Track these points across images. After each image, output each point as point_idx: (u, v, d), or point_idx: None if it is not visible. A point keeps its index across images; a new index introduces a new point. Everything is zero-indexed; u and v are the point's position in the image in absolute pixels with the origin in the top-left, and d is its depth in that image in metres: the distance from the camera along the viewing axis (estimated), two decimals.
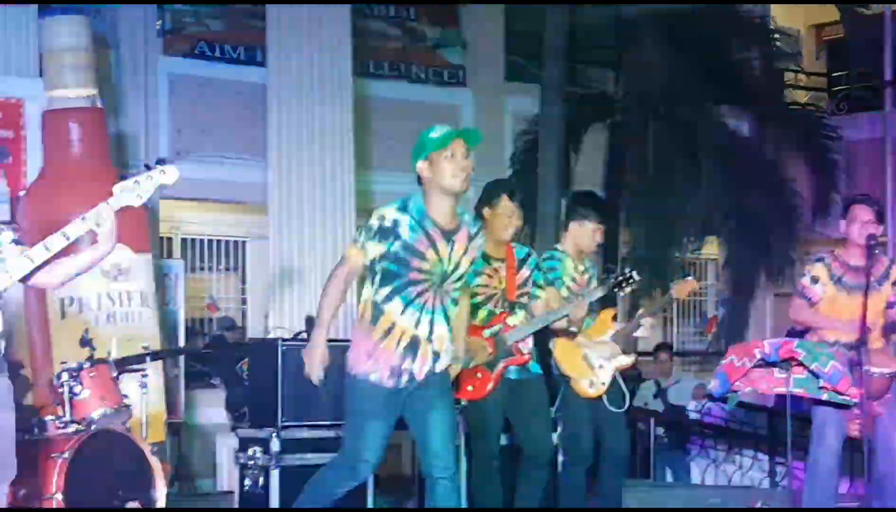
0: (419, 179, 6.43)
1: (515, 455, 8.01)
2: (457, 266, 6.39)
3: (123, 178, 5.82)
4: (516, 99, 16.33)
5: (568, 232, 8.40)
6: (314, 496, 6.73)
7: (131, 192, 5.90)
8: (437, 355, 6.38)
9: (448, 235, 6.35)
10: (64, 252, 5.75)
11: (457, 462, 6.57)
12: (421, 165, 6.38)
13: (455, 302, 6.51)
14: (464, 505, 6.66)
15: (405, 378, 6.33)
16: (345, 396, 6.59)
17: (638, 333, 8.74)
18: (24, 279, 5.72)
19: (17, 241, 5.72)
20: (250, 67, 14.28)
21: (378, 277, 6.34)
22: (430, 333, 6.34)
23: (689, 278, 9.01)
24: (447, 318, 6.42)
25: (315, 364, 6.35)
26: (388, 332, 6.33)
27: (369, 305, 6.39)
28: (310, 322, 9.77)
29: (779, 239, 14.94)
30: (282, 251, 13.30)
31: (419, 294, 6.33)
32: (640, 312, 8.75)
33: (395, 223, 6.28)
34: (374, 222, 6.31)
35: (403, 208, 6.35)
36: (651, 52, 15.29)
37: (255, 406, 8.90)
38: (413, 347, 6.33)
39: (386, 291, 6.33)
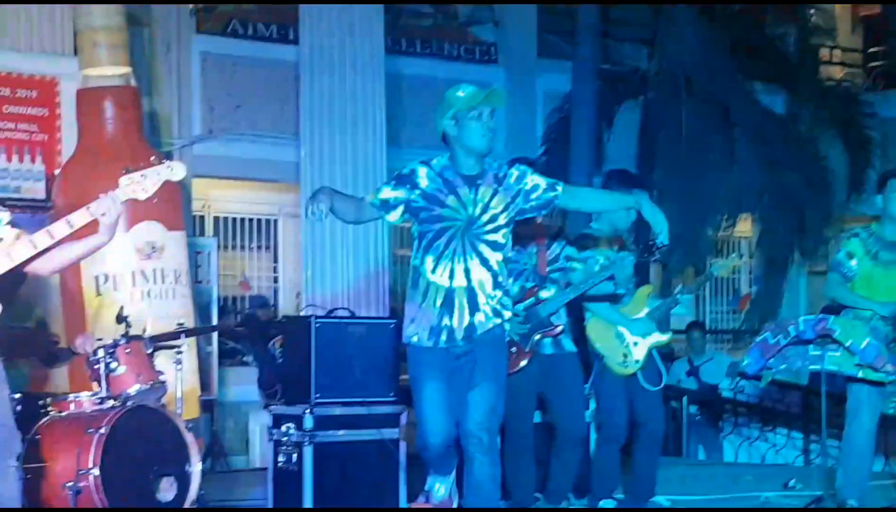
0: (443, 137, 6.45)
1: (548, 432, 8.01)
2: (485, 208, 6.37)
3: (129, 171, 5.82)
4: (549, 76, 16.31)
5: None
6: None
7: (138, 185, 5.91)
8: (476, 307, 6.37)
9: (471, 181, 6.38)
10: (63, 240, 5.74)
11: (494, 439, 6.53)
12: (447, 124, 6.40)
13: (497, 246, 6.44)
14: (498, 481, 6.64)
15: (444, 336, 6.34)
16: (410, 376, 6.61)
17: (675, 310, 8.75)
18: (21, 264, 5.73)
19: (12, 223, 5.77)
20: (283, 45, 14.30)
21: (416, 242, 6.42)
22: (468, 281, 6.34)
23: (734, 256, 9.02)
24: (488, 265, 6.38)
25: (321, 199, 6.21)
26: (426, 292, 6.37)
27: (411, 271, 6.46)
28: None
29: (813, 216, 14.91)
30: (314, 229, 13.31)
31: (447, 244, 6.35)
32: (680, 288, 8.73)
33: (413, 172, 6.39)
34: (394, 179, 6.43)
35: (426, 162, 6.44)
36: (685, 28, 15.24)
37: (288, 383, 8.92)
38: (449, 302, 6.34)
39: (420, 252, 6.40)
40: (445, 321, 6.33)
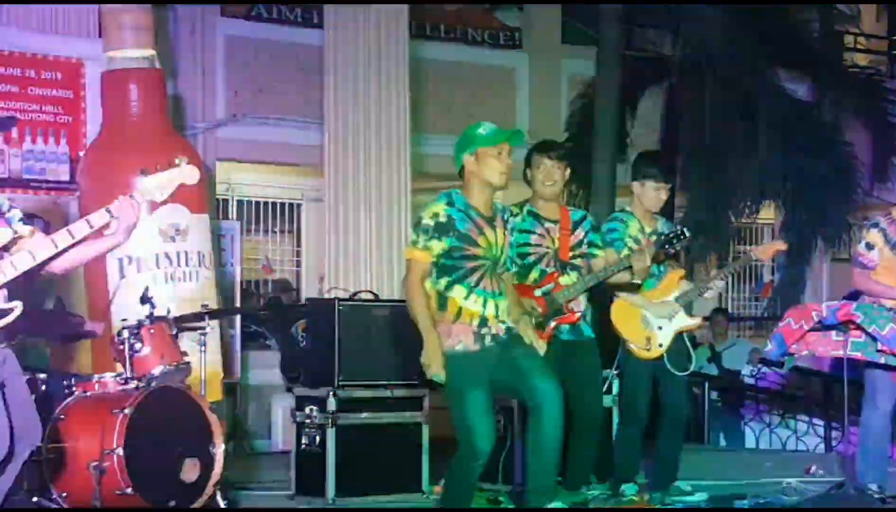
0: (461, 171, 6.60)
1: (567, 417, 8.05)
2: (502, 250, 6.59)
3: (145, 173, 5.86)
4: (573, 62, 16.31)
5: (634, 193, 8.40)
6: (457, 493, 6.84)
7: (155, 187, 5.98)
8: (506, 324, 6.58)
9: (489, 222, 6.55)
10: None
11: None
12: (467, 159, 6.55)
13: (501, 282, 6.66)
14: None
15: (488, 339, 6.49)
16: (446, 382, 6.59)
17: (708, 295, 8.74)
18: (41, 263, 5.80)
19: (23, 220, 5.82)
20: (307, 29, 14.30)
21: (436, 270, 6.48)
22: (497, 313, 6.53)
23: (777, 241, 9.00)
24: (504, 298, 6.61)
25: (435, 363, 6.39)
26: (458, 314, 6.47)
27: (434, 294, 6.51)
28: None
29: (836, 204, 14.90)
30: (337, 213, 13.34)
31: (478, 280, 6.51)
32: (714, 272, 8.73)
33: (449, 217, 6.44)
34: (428, 221, 6.47)
35: (450, 203, 6.51)
36: (708, 14, 15.24)
37: (311, 366, 8.96)
38: (484, 322, 6.50)
39: (445, 281, 6.49)
40: (485, 330, 6.50)
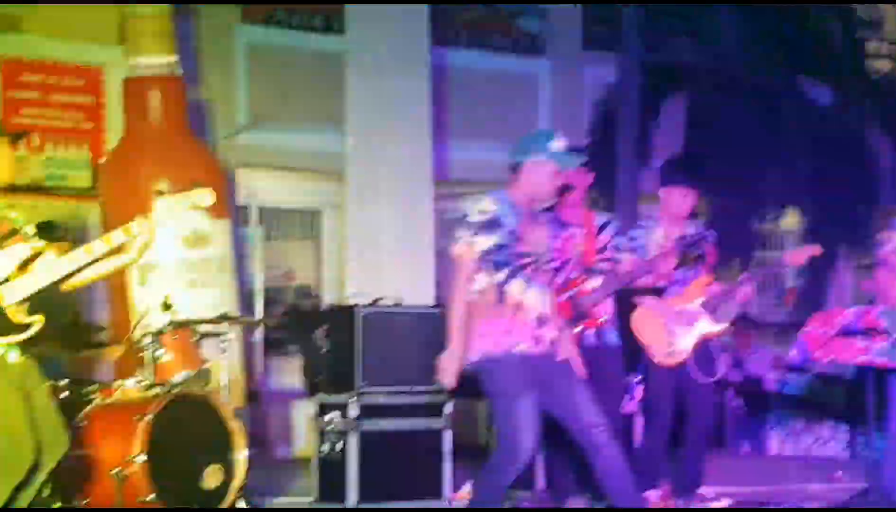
0: (514, 167, 6.63)
1: None
2: (546, 248, 6.75)
3: (162, 194, 5.97)
4: (594, 68, 16.30)
5: (661, 199, 8.43)
6: (488, 496, 6.79)
7: (171, 209, 6.16)
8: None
9: (535, 220, 6.72)
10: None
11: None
12: (527, 164, 6.60)
13: None
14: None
15: (544, 346, 6.51)
16: (488, 385, 6.63)
17: (735, 301, 8.73)
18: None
19: (40, 232, 5.94)
20: (328, 36, 14.33)
21: (492, 266, 6.49)
22: (551, 308, 6.63)
23: (811, 245, 9.01)
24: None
25: (451, 371, 6.43)
26: (518, 308, 6.49)
27: (490, 289, 6.50)
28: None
29: (860, 210, 14.89)
30: (358, 220, 13.36)
31: (532, 274, 6.56)
32: (743, 276, 8.72)
33: (496, 213, 6.51)
34: (475, 217, 6.50)
35: (498, 199, 6.56)
36: (729, 20, 15.26)
37: (333, 372, 8.95)
38: (542, 321, 6.54)
39: (502, 274, 6.49)
40: (543, 333, 6.53)
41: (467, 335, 6.51)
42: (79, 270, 6.07)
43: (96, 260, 6.19)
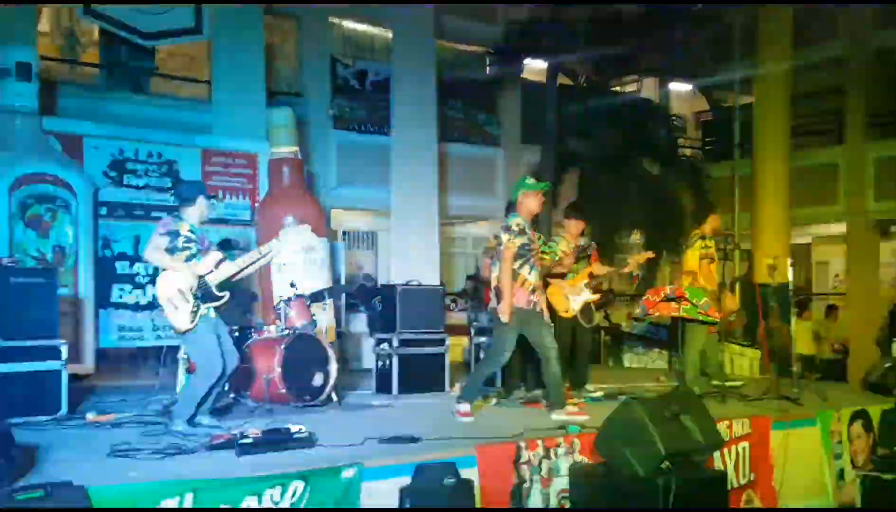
0: (515, 203, 6.99)
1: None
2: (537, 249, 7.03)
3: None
4: (529, 153, 16.05)
5: (564, 225, 8.53)
6: (476, 381, 7.02)
7: (273, 247, 6.59)
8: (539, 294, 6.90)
9: (534, 230, 7.04)
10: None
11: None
12: (521, 197, 6.93)
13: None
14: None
15: (532, 305, 6.77)
16: (498, 324, 6.80)
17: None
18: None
19: (219, 246, 6.62)
20: (381, 136, 14.19)
21: (523, 257, 6.76)
22: (537, 281, 6.86)
23: (646, 252, 9.16)
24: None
25: (507, 314, 6.66)
26: (523, 284, 6.74)
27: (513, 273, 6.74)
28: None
29: (672, 232, 14.84)
30: (397, 238, 13.39)
31: (533, 265, 6.82)
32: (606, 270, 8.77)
33: (521, 226, 6.79)
34: (515, 227, 6.77)
35: (518, 218, 6.84)
36: (603, 129, 15.29)
37: (383, 321, 8.97)
38: (535, 290, 6.81)
39: (518, 263, 6.73)
40: (533, 298, 6.81)
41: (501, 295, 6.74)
42: (243, 269, 6.24)
43: (252, 263, 6.35)
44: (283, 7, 13.93)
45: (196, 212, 6.17)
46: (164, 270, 5.97)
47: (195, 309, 5.97)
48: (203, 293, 6.04)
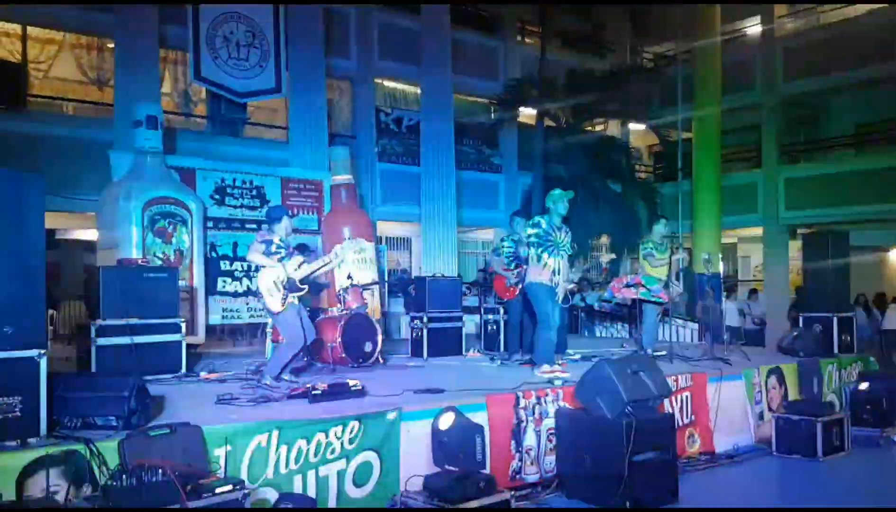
0: (547, 208, 6.87)
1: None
2: (563, 240, 6.79)
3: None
4: (524, 178, 16.01)
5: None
6: (544, 345, 6.75)
7: (335, 256, 6.59)
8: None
9: (560, 229, 6.80)
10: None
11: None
12: (550, 203, 6.86)
13: (566, 254, 6.85)
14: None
15: (555, 283, 6.69)
16: (533, 297, 6.78)
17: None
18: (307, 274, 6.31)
19: (296, 251, 6.51)
20: (413, 166, 14.15)
21: (535, 247, 6.71)
22: (558, 266, 6.72)
23: (610, 255, 9.00)
24: (563, 260, 6.79)
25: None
26: (546, 266, 6.66)
27: (536, 258, 6.70)
28: None
29: (631, 238, 14.72)
30: (426, 243, 13.43)
31: (553, 252, 6.69)
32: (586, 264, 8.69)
33: (539, 223, 6.74)
34: (533, 222, 6.80)
35: (543, 218, 6.80)
36: (578, 159, 15.21)
37: (416, 303, 8.85)
38: (556, 271, 6.69)
39: (542, 251, 6.68)
40: (556, 278, 6.71)
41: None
42: (316, 270, 6.28)
43: (322, 266, 6.39)
44: (340, 73, 13.99)
45: (282, 228, 6.29)
46: (262, 267, 6.07)
47: (284, 297, 6.06)
48: (290, 285, 6.12)
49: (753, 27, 17.17)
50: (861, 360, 8.70)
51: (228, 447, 4.17)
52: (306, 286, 6.25)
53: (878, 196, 14.13)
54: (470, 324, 10.26)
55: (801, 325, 8.91)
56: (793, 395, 7.61)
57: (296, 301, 6.18)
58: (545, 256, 6.69)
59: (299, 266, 6.22)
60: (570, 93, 14.88)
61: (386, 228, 14.97)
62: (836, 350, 8.53)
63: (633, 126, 18.89)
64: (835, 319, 8.63)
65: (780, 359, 8.09)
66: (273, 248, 6.15)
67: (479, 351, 9.06)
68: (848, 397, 7.81)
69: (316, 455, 4.47)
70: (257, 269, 6.19)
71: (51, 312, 12.16)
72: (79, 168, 10.63)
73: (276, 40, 11.94)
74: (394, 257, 15.66)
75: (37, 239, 3.99)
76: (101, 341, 6.29)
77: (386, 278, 12.20)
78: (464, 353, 8.74)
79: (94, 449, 3.78)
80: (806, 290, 9.54)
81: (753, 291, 15.30)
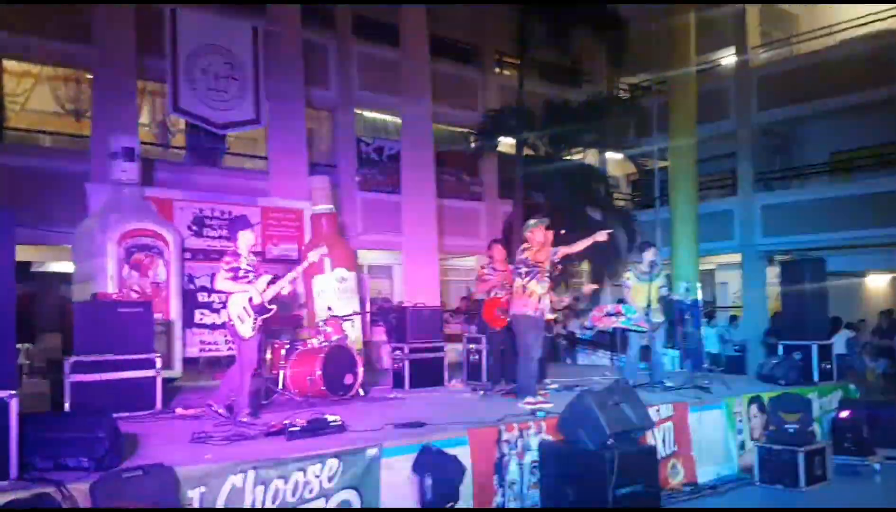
0: (526, 232, 6.88)
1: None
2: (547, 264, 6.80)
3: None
4: (505, 206, 16.12)
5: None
6: (526, 376, 6.72)
7: (297, 273, 6.49)
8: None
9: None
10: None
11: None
12: (528, 233, 6.87)
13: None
14: None
15: (540, 312, 6.64)
16: (516, 327, 6.80)
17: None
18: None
19: (266, 274, 6.29)
20: (394, 195, 14.10)
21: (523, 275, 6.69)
22: (544, 293, 6.67)
23: (592, 283, 8.89)
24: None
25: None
26: (531, 295, 6.60)
27: (520, 286, 6.69)
28: None
29: (613, 263, 14.80)
30: (408, 270, 13.36)
31: (541, 279, 6.67)
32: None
33: (524, 249, 6.78)
34: (520, 250, 6.80)
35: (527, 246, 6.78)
36: (558, 187, 15.26)
37: (398, 333, 8.71)
38: (540, 299, 6.62)
39: (527, 278, 6.67)
40: (540, 305, 6.67)
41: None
42: (283, 286, 6.19)
43: (292, 278, 6.34)
44: (320, 103, 13.99)
45: (244, 240, 6.17)
46: (230, 293, 5.97)
47: (254, 321, 5.96)
48: (258, 309, 6.03)
49: (728, 57, 17.44)
50: (842, 388, 8.69)
51: (202, 489, 4.05)
52: (274, 306, 6.17)
53: (854, 222, 14.30)
54: (453, 353, 10.15)
55: (780, 352, 8.90)
56: (773, 424, 7.55)
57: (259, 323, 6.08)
58: (532, 284, 6.65)
59: (268, 285, 6.14)
60: (548, 123, 14.97)
61: (368, 257, 14.92)
62: (816, 377, 8.52)
63: (611, 155, 19.04)
64: (814, 347, 8.62)
65: (761, 387, 8.06)
66: (241, 274, 6.05)
67: (461, 381, 8.94)
68: (829, 426, 7.79)
69: (294, 495, 4.35)
70: (228, 299, 6.07)
71: (26, 345, 11.93)
72: (55, 200, 10.49)
73: (254, 71, 11.92)
74: (376, 286, 15.56)
75: (6, 276, 3.88)
76: (75, 378, 6.14)
77: (367, 308, 12.08)
78: (445, 383, 8.60)
79: (65, 492, 3.67)
80: (784, 315, 9.55)
81: (733, 318, 15.37)
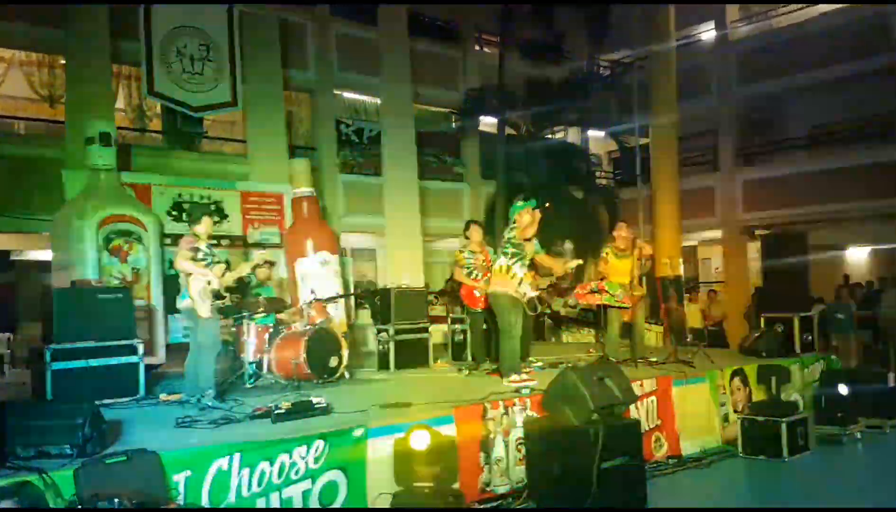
0: (512, 217, 6.80)
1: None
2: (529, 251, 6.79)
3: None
4: (486, 186, 16.10)
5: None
6: (509, 354, 6.69)
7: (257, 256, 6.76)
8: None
9: (528, 240, 6.79)
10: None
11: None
12: (519, 214, 6.75)
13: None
14: None
15: (520, 294, 6.64)
16: (496, 306, 6.76)
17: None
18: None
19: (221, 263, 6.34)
20: (376, 177, 14.05)
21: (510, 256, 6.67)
22: (523, 276, 6.65)
23: (576, 260, 8.81)
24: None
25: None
26: (513, 277, 6.60)
27: (505, 267, 6.68)
28: None
29: (594, 241, 14.78)
30: (391, 253, 13.35)
31: (523, 262, 6.68)
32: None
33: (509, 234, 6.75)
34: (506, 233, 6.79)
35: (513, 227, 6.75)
36: (540, 166, 15.27)
37: (382, 315, 8.71)
38: (521, 282, 6.63)
39: (514, 260, 6.66)
40: (520, 288, 6.66)
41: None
42: (238, 276, 6.52)
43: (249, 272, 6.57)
44: (299, 85, 13.87)
45: (203, 227, 6.24)
46: (189, 275, 5.99)
47: (212, 303, 5.98)
48: (214, 293, 6.04)
49: (707, 32, 17.44)
50: (824, 359, 8.80)
51: (188, 472, 4.04)
52: (227, 295, 6.19)
53: (834, 196, 14.41)
54: (437, 333, 10.17)
55: (762, 325, 8.99)
56: (757, 396, 7.66)
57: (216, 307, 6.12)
58: (515, 266, 6.66)
59: (223, 274, 6.13)
60: (529, 101, 14.94)
61: (350, 240, 14.87)
62: (797, 349, 8.62)
63: (593, 133, 19.03)
64: (796, 319, 8.72)
65: (743, 360, 8.14)
66: (200, 255, 6.11)
67: (446, 361, 8.96)
68: (812, 397, 7.89)
69: (280, 476, 4.36)
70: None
71: (7, 334, 11.82)
72: (31, 188, 10.35)
73: (231, 53, 11.76)
74: (360, 269, 15.50)
75: None
76: (56, 366, 6.10)
77: (351, 290, 12.05)
78: (431, 364, 8.62)
79: (48, 479, 3.65)
80: (765, 290, 9.64)
81: (714, 293, 15.49)
